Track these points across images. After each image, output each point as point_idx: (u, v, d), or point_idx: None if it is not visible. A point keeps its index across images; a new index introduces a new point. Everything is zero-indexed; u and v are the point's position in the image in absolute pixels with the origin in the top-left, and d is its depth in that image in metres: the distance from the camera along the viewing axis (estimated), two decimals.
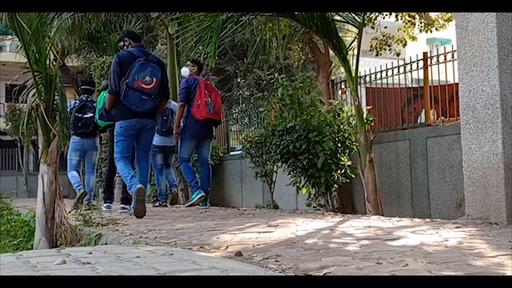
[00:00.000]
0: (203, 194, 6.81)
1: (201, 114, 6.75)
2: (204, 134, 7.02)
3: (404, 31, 12.56)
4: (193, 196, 6.88)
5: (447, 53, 7.07)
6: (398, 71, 7.96)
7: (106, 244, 3.84)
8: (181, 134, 7.00)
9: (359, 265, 2.51)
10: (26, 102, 6.14)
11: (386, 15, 10.98)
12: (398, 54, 12.43)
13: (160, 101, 5.78)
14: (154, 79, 5.59)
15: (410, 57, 7.79)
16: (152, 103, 5.62)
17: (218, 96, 7.18)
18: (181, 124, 7.00)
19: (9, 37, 16.42)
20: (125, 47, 5.93)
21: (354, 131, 6.63)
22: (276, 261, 2.66)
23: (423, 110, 8.04)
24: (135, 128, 5.66)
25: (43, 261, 2.51)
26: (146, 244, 3.42)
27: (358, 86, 6.74)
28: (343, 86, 9.09)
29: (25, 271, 2.23)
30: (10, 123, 16.79)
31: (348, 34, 8.87)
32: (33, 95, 5.81)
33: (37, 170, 6.86)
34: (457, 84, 4.78)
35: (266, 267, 2.53)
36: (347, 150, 6.85)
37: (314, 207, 6.92)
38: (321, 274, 2.39)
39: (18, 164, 22.64)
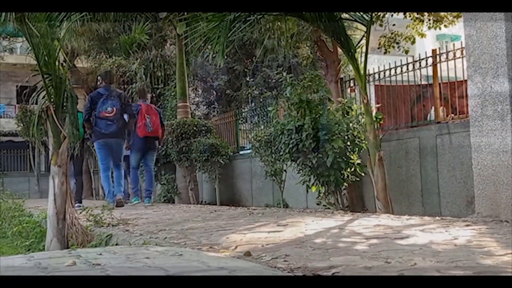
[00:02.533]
0: (139, 201, 8.71)
1: (142, 133, 8.60)
2: (147, 147, 8.84)
3: (413, 28, 12.50)
4: (132, 201, 8.72)
5: (456, 49, 7.04)
6: (407, 69, 7.92)
7: (117, 244, 3.86)
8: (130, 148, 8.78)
9: (367, 265, 2.51)
10: (36, 104, 6.21)
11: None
12: (406, 52, 12.37)
13: (127, 121, 8.07)
14: (114, 109, 7.87)
15: (419, 54, 7.76)
16: (116, 126, 7.86)
17: (156, 117, 8.85)
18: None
19: (20, 39, 16.56)
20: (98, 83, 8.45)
21: (363, 129, 6.62)
22: (285, 260, 2.67)
23: (433, 107, 8.00)
24: (106, 145, 8.00)
25: (54, 262, 2.53)
26: (156, 244, 3.45)
27: (367, 84, 6.73)
28: (351, 84, 9.07)
29: (36, 273, 2.26)
30: (22, 125, 16.93)
31: (357, 32, 8.86)
32: (43, 97, 5.87)
33: (48, 171, 6.92)
34: (466, 81, 4.76)
35: (275, 267, 2.54)
36: (357, 149, 6.84)
37: (324, 205, 6.92)
38: (330, 273, 2.40)
39: (29, 165, 22.80)
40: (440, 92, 7.75)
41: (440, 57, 7.48)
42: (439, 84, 7.77)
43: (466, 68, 4.65)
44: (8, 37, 17.80)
